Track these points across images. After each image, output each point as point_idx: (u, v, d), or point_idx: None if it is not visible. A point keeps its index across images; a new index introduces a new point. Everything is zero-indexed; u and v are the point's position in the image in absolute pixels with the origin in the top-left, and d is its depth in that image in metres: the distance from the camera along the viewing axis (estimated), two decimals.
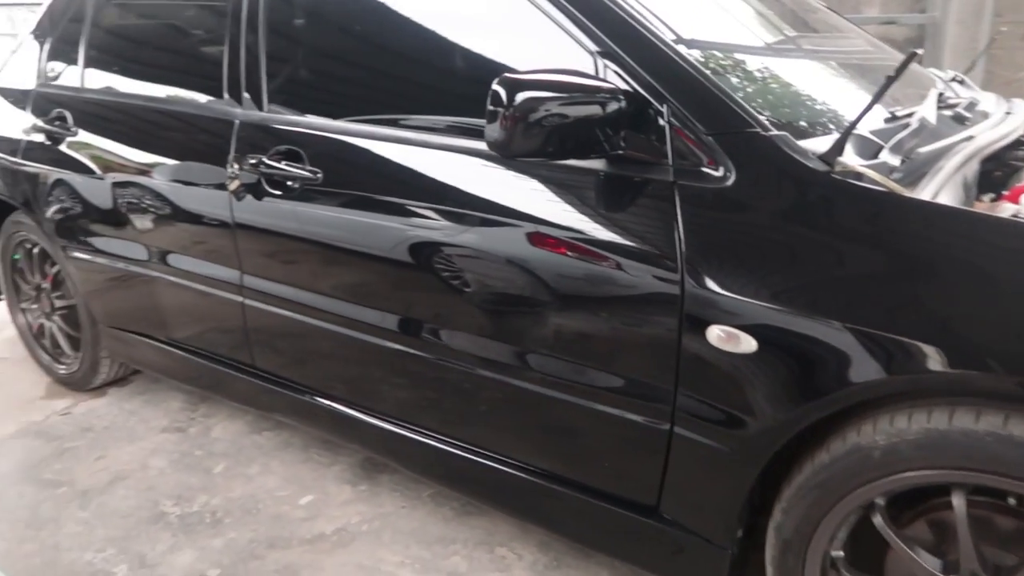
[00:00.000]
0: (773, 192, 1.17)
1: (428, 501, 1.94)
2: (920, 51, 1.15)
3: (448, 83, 1.58)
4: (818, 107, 1.41)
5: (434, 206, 1.49)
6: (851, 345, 1.08)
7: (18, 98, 2.44)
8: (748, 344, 1.16)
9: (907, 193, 1.11)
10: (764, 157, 1.19)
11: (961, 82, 1.96)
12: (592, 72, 1.31)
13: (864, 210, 1.11)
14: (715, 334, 1.19)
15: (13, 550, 1.81)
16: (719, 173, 1.20)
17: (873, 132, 1.27)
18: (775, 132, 1.20)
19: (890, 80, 1.13)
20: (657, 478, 1.35)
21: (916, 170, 1.21)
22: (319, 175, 1.64)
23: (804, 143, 1.20)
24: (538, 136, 1.19)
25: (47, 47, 2.41)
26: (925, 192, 1.13)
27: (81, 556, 1.79)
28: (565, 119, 1.20)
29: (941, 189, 1.16)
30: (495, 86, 1.16)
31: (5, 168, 2.42)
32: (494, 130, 1.17)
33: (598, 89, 1.23)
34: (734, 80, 1.35)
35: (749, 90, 1.34)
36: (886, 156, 1.20)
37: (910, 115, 1.37)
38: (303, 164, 1.67)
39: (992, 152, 1.37)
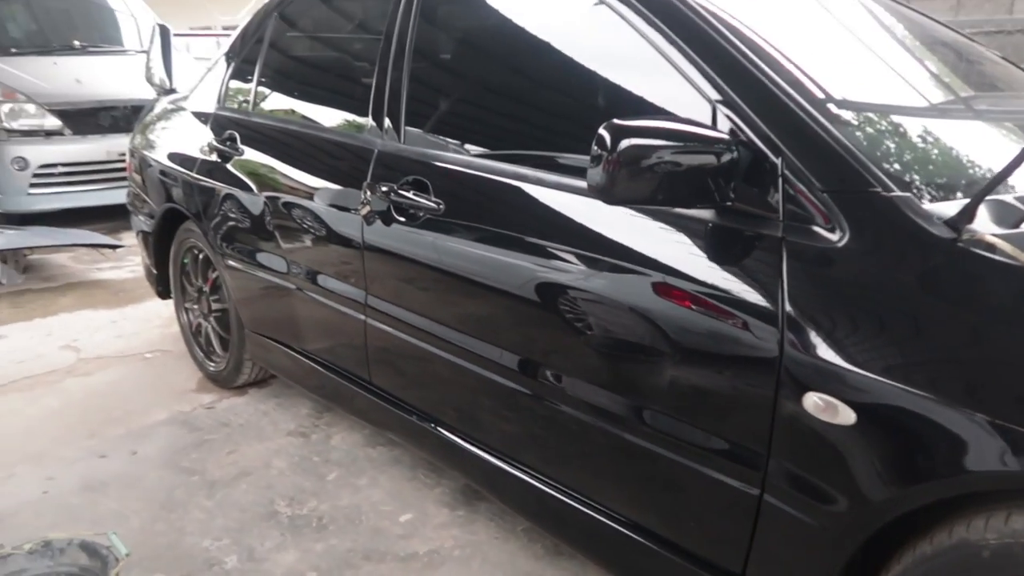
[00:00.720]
0: (888, 257, 1.09)
1: (521, 536, 1.94)
2: None
3: (570, 124, 1.60)
4: (968, 169, 1.31)
5: (542, 242, 1.51)
6: (964, 429, 0.99)
7: (202, 120, 2.73)
8: (847, 416, 1.08)
9: None
10: (882, 219, 1.11)
11: None
12: (708, 120, 1.29)
13: (991, 284, 1.01)
14: (812, 401, 1.12)
15: (146, 528, 1.99)
16: (832, 232, 1.14)
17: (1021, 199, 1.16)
18: (897, 193, 1.12)
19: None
20: (744, 545, 1.28)
21: None
22: (441, 206, 1.71)
23: (937, 206, 1.12)
24: (641, 183, 1.18)
25: (229, 71, 2.67)
26: None
27: (200, 542, 1.94)
28: (671, 167, 1.18)
29: None
30: (601, 131, 1.17)
31: (184, 182, 2.70)
32: (596, 174, 1.18)
33: (708, 138, 1.20)
34: (865, 135, 1.28)
35: (882, 148, 1.26)
36: None
37: None
38: (428, 195, 1.75)
39: None
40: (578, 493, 1.59)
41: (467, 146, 1.78)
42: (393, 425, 2.09)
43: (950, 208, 1.10)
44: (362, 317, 2.01)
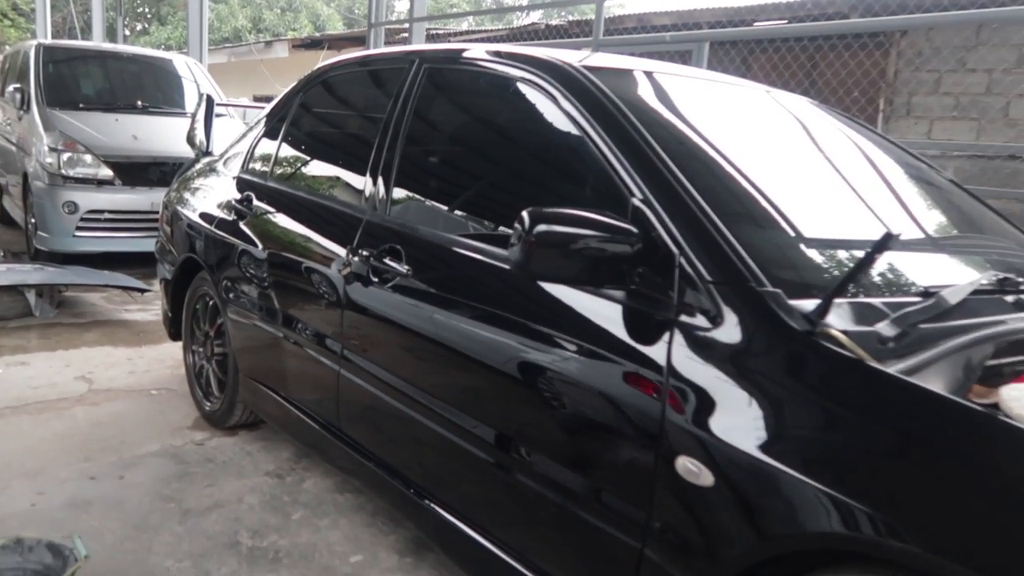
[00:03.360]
0: (754, 342, 1.26)
1: None
2: (898, 232, 1.21)
3: (513, 209, 1.81)
4: (835, 271, 1.47)
5: (486, 308, 1.70)
6: (803, 495, 1.12)
7: (228, 181, 3.01)
8: (707, 478, 1.23)
9: (875, 363, 1.15)
10: (753, 309, 1.28)
11: None
12: (628, 213, 1.48)
13: (829, 372, 1.17)
14: (682, 464, 1.27)
15: (118, 545, 2.16)
16: (713, 318, 1.31)
17: (890, 304, 1.33)
18: (768, 288, 1.29)
19: (868, 256, 1.20)
20: None
21: (912, 344, 1.25)
22: (410, 272, 1.92)
23: (801, 302, 1.28)
24: (553, 263, 1.37)
25: (256, 141, 2.97)
26: (900, 366, 1.17)
27: (163, 562, 2.09)
28: (579, 251, 1.38)
29: (928, 366, 1.19)
30: (522, 214, 1.38)
31: (204, 234, 2.97)
32: (515, 252, 1.38)
33: (616, 228, 1.40)
34: (752, 238, 1.45)
35: (764, 250, 1.43)
36: (883, 327, 1.25)
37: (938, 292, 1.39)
38: (401, 261, 1.96)
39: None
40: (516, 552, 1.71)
41: (434, 222, 2.01)
42: (358, 472, 2.24)
43: (811, 304, 1.26)
44: (337, 368, 2.20)
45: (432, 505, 1.91)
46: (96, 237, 5.45)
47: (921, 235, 1.85)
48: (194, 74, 6.93)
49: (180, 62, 7.10)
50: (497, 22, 18.80)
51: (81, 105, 5.96)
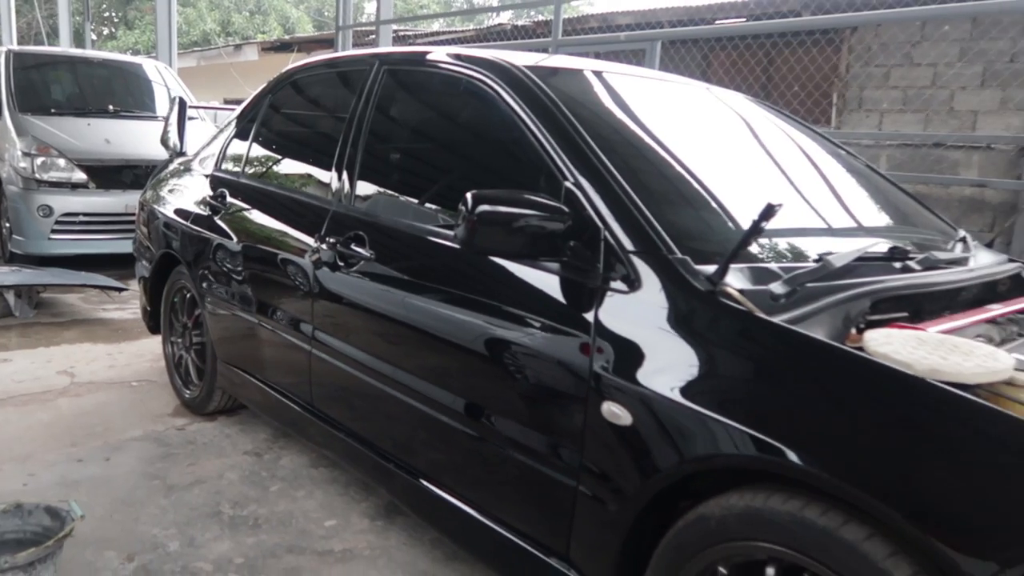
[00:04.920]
0: (665, 302, 1.47)
1: (427, 543, 2.25)
2: (779, 204, 1.42)
3: (459, 191, 2.00)
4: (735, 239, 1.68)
5: (441, 287, 1.90)
6: (704, 426, 1.33)
7: (202, 179, 3.17)
8: (626, 418, 1.43)
9: (762, 315, 1.36)
10: (665, 274, 1.49)
11: (963, 240, 2.13)
12: (556, 195, 1.68)
13: (723, 323, 1.38)
14: (607, 408, 1.47)
15: (107, 517, 2.32)
16: (632, 283, 1.52)
17: (784, 267, 1.54)
18: (678, 255, 1.50)
19: (754, 225, 1.41)
20: (566, 530, 1.60)
21: (799, 299, 1.46)
22: (373, 255, 2.11)
23: (706, 267, 1.49)
24: (494, 238, 1.57)
25: (228, 140, 3.13)
26: (785, 317, 1.38)
27: (150, 530, 2.26)
28: (521, 229, 1.57)
29: (810, 318, 1.41)
30: (466, 195, 1.57)
31: (180, 231, 3.13)
32: (460, 230, 1.58)
33: (548, 207, 1.60)
34: (667, 212, 1.65)
35: (676, 222, 1.64)
36: (775, 286, 1.46)
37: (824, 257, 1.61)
38: (365, 247, 2.15)
39: (903, 295, 1.57)
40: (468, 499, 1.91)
41: (394, 210, 2.20)
42: (332, 445, 2.42)
43: (712, 269, 1.47)
44: (308, 348, 2.38)
45: (399, 471, 2.09)
46: (71, 240, 5.56)
47: (824, 210, 2.07)
48: (164, 78, 7.04)
49: (150, 66, 7.21)
50: (468, 22, 18.98)
51: (53, 110, 6.06)
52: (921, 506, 1.11)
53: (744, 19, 7.17)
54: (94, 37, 17.07)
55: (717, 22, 7.41)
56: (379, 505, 2.46)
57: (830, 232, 1.99)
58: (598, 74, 2.25)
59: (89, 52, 8.26)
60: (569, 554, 1.62)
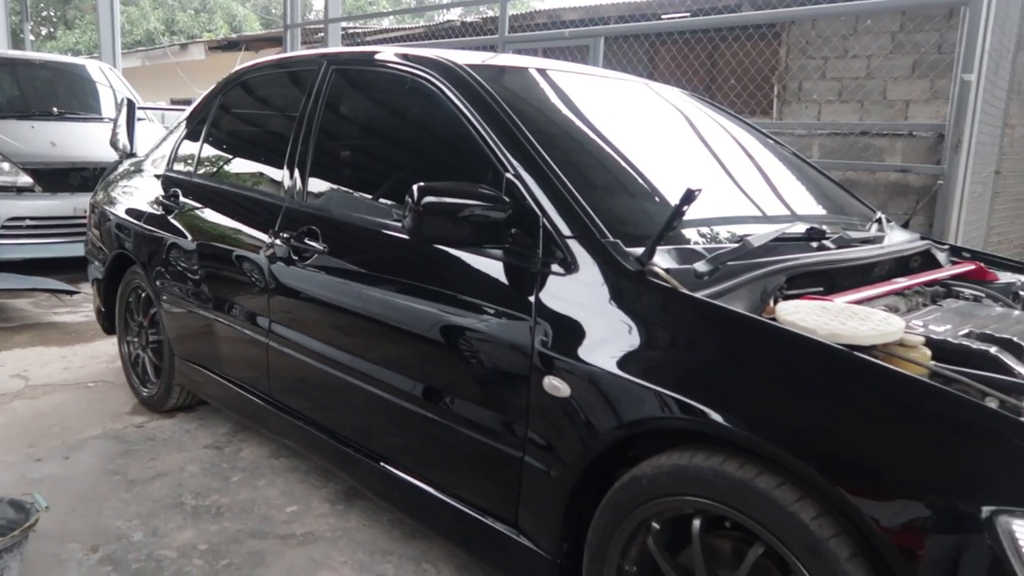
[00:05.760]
0: (598, 282, 1.59)
1: (386, 524, 2.35)
2: (699, 189, 1.55)
3: (408, 184, 2.09)
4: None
5: (390, 276, 1.99)
6: (634, 394, 1.46)
7: (154, 180, 3.20)
8: (564, 390, 1.55)
9: (685, 291, 1.49)
10: (598, 256, 1.61)
11: (879, 221, 2.30)
12: (499, 185, 1.79)
13: (650, 300, 1.51)
14: (548, 382, 1.59)
15: (69, 512, 2.36)
16: (569, 265, 1.64)
17: (708, 248, 1.68)
18: (610, 239, 1.62)
19: (676, 209, 1.54)
20: (515, 499, 1.72)
21: (721, 276, 1.59)
22: (326, 248, 2.19)
23: (635, 249, 1.61)
24: (440, 228, 1.67)
25: (179, 140, 3.17)
26: (707, 292, 1.51)
27: (113, 523, 2.31)
28: (466, 219, 1.68)
29: (730, 292, 1.54)
30: (413, 187, 1.67)
31: (134, 231, 3.16)
32: (407, 221, 1.68)
33: (489, 197, 1.71)
34: (600, 200, 1.77)
35: (609, 209, 1.76)
36: (699, 264, 1.60)
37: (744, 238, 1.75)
38: (318, 240, 2.23)
39: (817, 270, 1.72)
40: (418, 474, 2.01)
41: (345, 204, 2.29)
42: (292, 435, 2.49)
43: (640, 250, 1.60)
44: (265, 341, 2.45)
45: (359, 455, 2.18)
46: (19, 244, 5.47)
47: (751, 197, 2.22)
48: (109, 79, 6.96)
49: (94, 67, 7.12)
50: (418, 19, 18.96)
51: None
52: (824, 456, 1.25)
53: (688, 14, 7.36)
54: (32, 37, 16.63)
55: (664, 17, 7.59)
56: (339, 490, 2.55)
57: (757, 218, 2.13)
58: (542, 72, 2.37)
59: (30, 53, 8.10)
60: (518, 521, 1.73)
